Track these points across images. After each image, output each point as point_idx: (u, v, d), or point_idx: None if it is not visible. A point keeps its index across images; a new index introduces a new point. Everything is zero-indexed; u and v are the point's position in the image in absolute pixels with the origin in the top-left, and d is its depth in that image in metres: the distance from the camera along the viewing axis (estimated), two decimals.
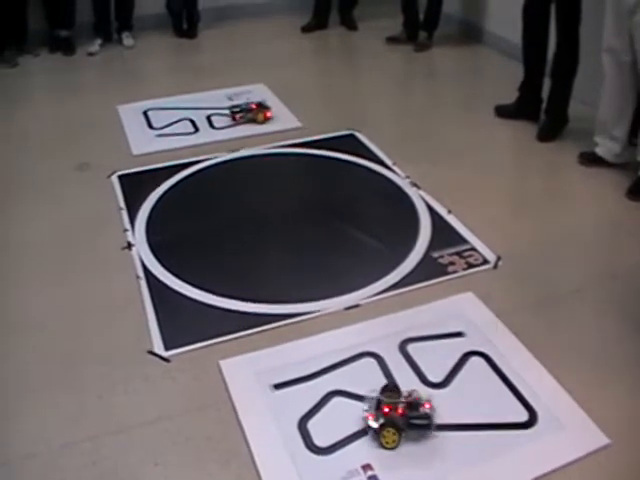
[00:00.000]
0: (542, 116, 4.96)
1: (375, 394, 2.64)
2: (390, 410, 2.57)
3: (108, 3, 6.70)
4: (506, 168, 4.68)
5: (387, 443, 2.55)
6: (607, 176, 4.34)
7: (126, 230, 3.88)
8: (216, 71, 6.15)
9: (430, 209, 4.02)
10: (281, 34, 7.00)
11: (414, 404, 2.60)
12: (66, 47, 6.60)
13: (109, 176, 4.42)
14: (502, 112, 5.20)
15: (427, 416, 2.59)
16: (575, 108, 4.96)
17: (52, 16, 6.60)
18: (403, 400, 2.60)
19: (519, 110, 5.11)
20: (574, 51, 4.73)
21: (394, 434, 2.55)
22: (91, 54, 6.60)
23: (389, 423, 2.55)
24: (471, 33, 6.73)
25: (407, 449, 2.56)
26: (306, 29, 7.10)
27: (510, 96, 5.13)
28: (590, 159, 4.47)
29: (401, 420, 2.57)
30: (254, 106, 5.09)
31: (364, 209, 4.12)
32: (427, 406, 2.60)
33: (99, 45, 6.68)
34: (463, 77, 6.04)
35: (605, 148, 4.42)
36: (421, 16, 6.57)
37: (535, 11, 4.85)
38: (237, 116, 5.08)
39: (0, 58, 6.28)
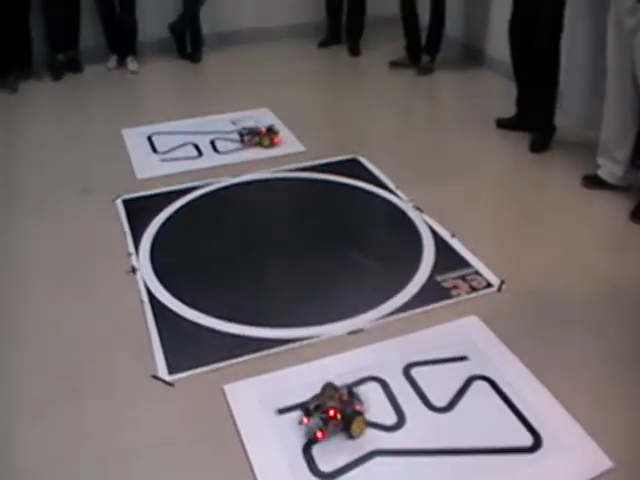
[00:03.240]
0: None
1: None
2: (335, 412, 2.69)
3: (117, 22, 6.76)
4: (510, 189, 4.68)
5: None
6: (610, 198, 4.35)
7: (130, 254, 3.89)
8: (220, 95, 6.18)
9: (433, 233, 4.03)
10: (284, 58, 7.04)
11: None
12: (74, 66, 6.70)
13: (113, 200, 4.43)
14: (502, 124, 5.34)
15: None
16: (579, 129, 5.01)
17: (56, 39, 6.64)
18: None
19: (518, 123, 5.26)
20: (554, 62, 4.89)
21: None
22: (110, 69, 6.78)
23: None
24: (473, 56, 6.77)
25: (412, 472, 2.56)
26: (322, 44, 7.32)
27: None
28: (593, 181, 4.49)
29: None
30: (263, 130, 5.11)
31: (367, 233, 4.12)
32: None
33: (116, 60, 6.82)
34: (465, 100, 6.08)
35: (608, 170, 4.43)
36: (423, 40, 6.60)
37: (519, 28, 5.02)
38: (246, 139, 5.10)
39: (2, 84, 6.31)
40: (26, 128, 5.62)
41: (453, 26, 6.74)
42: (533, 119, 5.13)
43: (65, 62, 6.70)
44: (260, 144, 5.09)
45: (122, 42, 6.84)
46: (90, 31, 6.78)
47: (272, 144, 5.08)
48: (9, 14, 6.25)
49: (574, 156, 4.84)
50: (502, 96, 5.61)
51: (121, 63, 6.85)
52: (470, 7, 6.83)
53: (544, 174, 4.77)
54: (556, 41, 4.83)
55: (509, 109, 5.30)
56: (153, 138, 5.29)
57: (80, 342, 3.28)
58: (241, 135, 5.14)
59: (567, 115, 5.27)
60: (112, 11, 6.74)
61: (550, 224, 4.17)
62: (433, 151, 5.10)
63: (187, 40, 7.01)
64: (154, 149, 5.13)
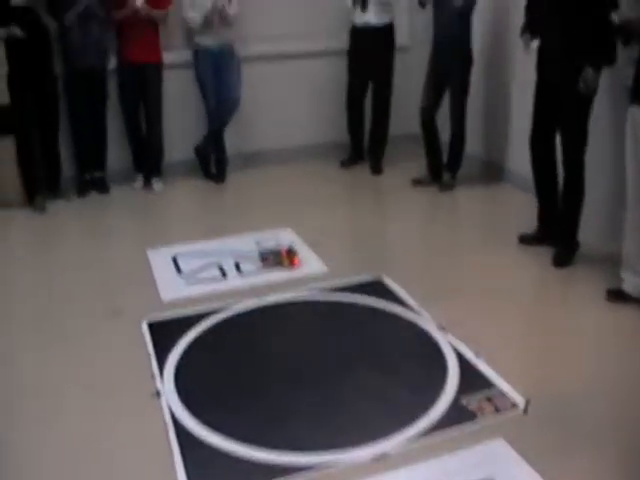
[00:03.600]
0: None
1: None
2: None
3: (143, 144, 6.98)
4: (534, 305, 4.70)
5: None
6: (635, 313, 4.34)
7: (154, 377, 3.89)
8: (244, 215, 6.27)
9: (457, 353, 4.01)
10: (307, 178, 7.16)
11: None
12: (101, 187, 6.87)
13: (138, 322, 4.45)
14: (525, 239, 5.38)
15: None
16: (602, 242, 5.02)
17: (84, 159, 6.85)
18: None
19: (541, 237, 5.30)
20: (579, 178, 4.93)
21: None
22: (136, 189, 6.94)
23: None
24: (493, 172, 6.87)
25: None
26: (345, 164, 7.42)
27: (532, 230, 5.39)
28: (617, 295, 4.48)
29: None
30: (283, 252, 5.16)
31: (391, 355, 4.10)
32: None
33: (142, 181, 7.00)
34: (487, 216, 6.14)
35: (631, 284, 4.43)
36: (445, 157, 6.72)
37: (541, 143, 5.12)
38: (267, 260, 5.15)
39: (31, 203, 6.47)
40: (53, 248, 5.74)
41: (473, 143, 6.86)
42: (556, 233, 5.15)
43: (92, 182, 6.87)
44: (281, 265, 5.13)
45: (148, 163, 7.01)
46: (117, 152, 6.99)
47: (292, 265, 5.12)
48: (40, 135, 6.49)
49: (597, 270, 4.85)
50: (523, 210, 5.67)
51: (147, 183, 7.00)
52: (489, 124, 6.96)
53: (568, 289, 4.77)
54: (580, 155, 4.89)
55: (531, 223, 5.35)
56: (178, 259, 5.35)
57: (103, 464, 3.26)
58: (262, 256, 5.19)
59: (589, 228, 5.27)
60: (139, 133, 6.96)
61: (574, 340, 4.15)
62: (456, 269, 5.12)
63: (212, 161, 7.16)
64: (179, 270, 5.18)
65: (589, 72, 4.64)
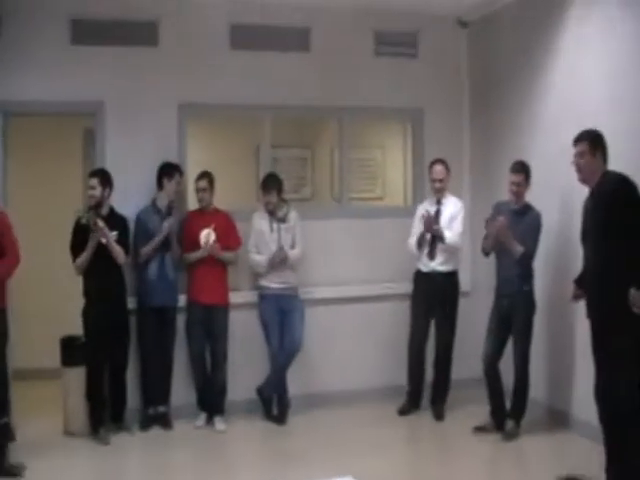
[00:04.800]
0: None
1: None
2: None
3: (208, 381, 7.07)
4: None
5: None
6: None
7: None
8: (303, 460, 6.16)
9: None
10: (367, 422, 7.10)
11: None
12: (164, 422, 6.92)
13: None
14: None
15: None
16: None
17: (149, 393, 6.97)
18: None
19: None
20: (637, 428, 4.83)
21: None
22: (198, 427, 6.93)
23: None
24: (559, 419, 6.75)
25: None
26: (403, 412, 7.27)
27: None
28: None
29: None
30: None
31: None
32: None
33: (204, 419, 7.00)
34: (552, 468, 5.90)
35: None
36: (508, 403, 6.62)
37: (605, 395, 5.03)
38: None
39: (95, 434, 6.55)
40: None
41: (537, 388, 6.78)
42: None
43: (155, 417, 6.94)
44: None
45: (211, 401, 7.05)
46: (181, 388, 7.12)
47: None
48: (109, 368, 6.71)
49: None
50: (591, 462, 5.46)
51: (209, 421, 7.01)
52: (553, 370, 6.92)
53: None
54: (634, 404, 4.83)
55: (599, 476, 5.15)
56: None
57: None
58: None
59: None
60: (204, 371, 7.09)
61: None
62: None
63: (274, 402, 7.17)
64: None
65: (632, 292, 4.71)
